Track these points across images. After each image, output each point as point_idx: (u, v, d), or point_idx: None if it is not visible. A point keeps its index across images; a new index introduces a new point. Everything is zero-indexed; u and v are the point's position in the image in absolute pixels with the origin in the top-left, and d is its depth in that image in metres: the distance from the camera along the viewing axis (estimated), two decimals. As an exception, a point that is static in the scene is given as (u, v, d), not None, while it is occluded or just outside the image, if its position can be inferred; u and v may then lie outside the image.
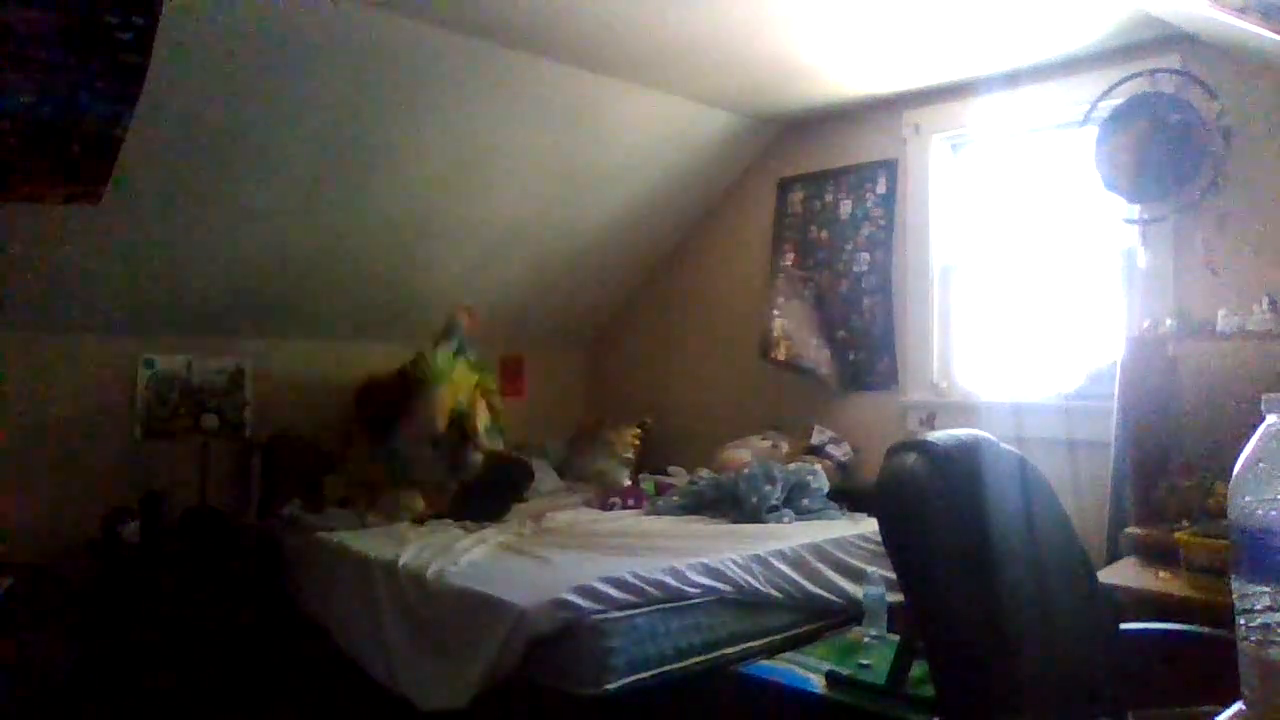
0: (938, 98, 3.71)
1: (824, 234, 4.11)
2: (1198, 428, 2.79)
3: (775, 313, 3.98)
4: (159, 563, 3.23)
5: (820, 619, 2.93)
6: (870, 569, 2.98)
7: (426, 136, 3.45)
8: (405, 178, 3.59)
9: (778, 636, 2.79)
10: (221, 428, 3.64)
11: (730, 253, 4.53)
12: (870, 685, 2.35)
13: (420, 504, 3.54)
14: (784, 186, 4.30)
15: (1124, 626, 1.73)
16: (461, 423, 3.68)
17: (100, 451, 3.47)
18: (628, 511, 3.70)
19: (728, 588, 2.71)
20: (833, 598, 2.96)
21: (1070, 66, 3.32)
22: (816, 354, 3.97)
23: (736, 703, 2.55)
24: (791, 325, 3.97)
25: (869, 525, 3.21)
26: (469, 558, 2.86)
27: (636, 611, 2.49)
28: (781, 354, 3.91)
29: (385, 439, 3.68)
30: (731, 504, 3.48)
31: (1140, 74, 3.10)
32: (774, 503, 3.40)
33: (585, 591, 2.43)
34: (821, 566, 2.99)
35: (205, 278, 3.53)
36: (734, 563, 2.77)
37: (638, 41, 3.20)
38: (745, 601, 2.75)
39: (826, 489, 3.56)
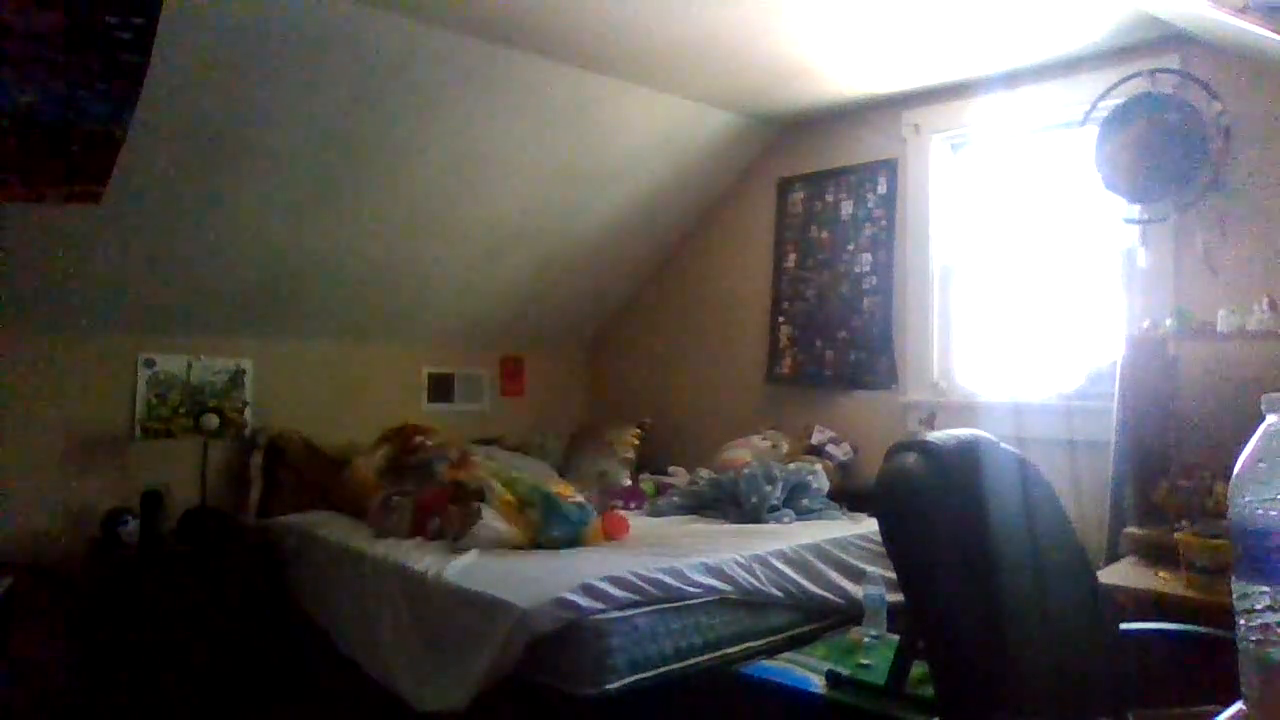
0: (938, 98, 3.71)
1: (824, 234, 4.11)
2: (1198, 428, 2.79)
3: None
4: (159, 563, 3.23)
5: (820, 619, 2.93)
6: (870, 569, 2.98)
7: (426, 136, 3.45)
8: (405, 178, 3.59)
9: (778, 636, 2.79)
10: (221, 428, 3.64)
11: (730, 253, 4.53)
12: (870, 685, 2.35)
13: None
14: (784, 186, 4.30)
15: (1124, 626, 1.73)
16: None
17: (100, 451, 3.47)
18: (628, 512, 3.70)
19: (728, 588, 2.71)
20: (833, 598, 2.95)
21: (1070, 66, 3.32)
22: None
23: (736, 703, 2.55)
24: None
25: (869, 525, 3.21)
26: (468, 558, 2.86)
27: (637, 611, 2.49)
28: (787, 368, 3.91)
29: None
30: (731, 504, 3.48)
31: (1140, 74, 3.10)
32: (774, 503, 3.40)
33: (586, 591, 2.43)
34: (822, 566, 2.99)
35: (205, 278, 3.53)
36: (735, 563, 2.77)
37: (638, 41, 3.20)
38: (746, 601, 2.75)
39: (826, 489, 3.56)
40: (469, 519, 3.00)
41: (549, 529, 2.98)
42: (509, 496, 3.11)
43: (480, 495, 3.15)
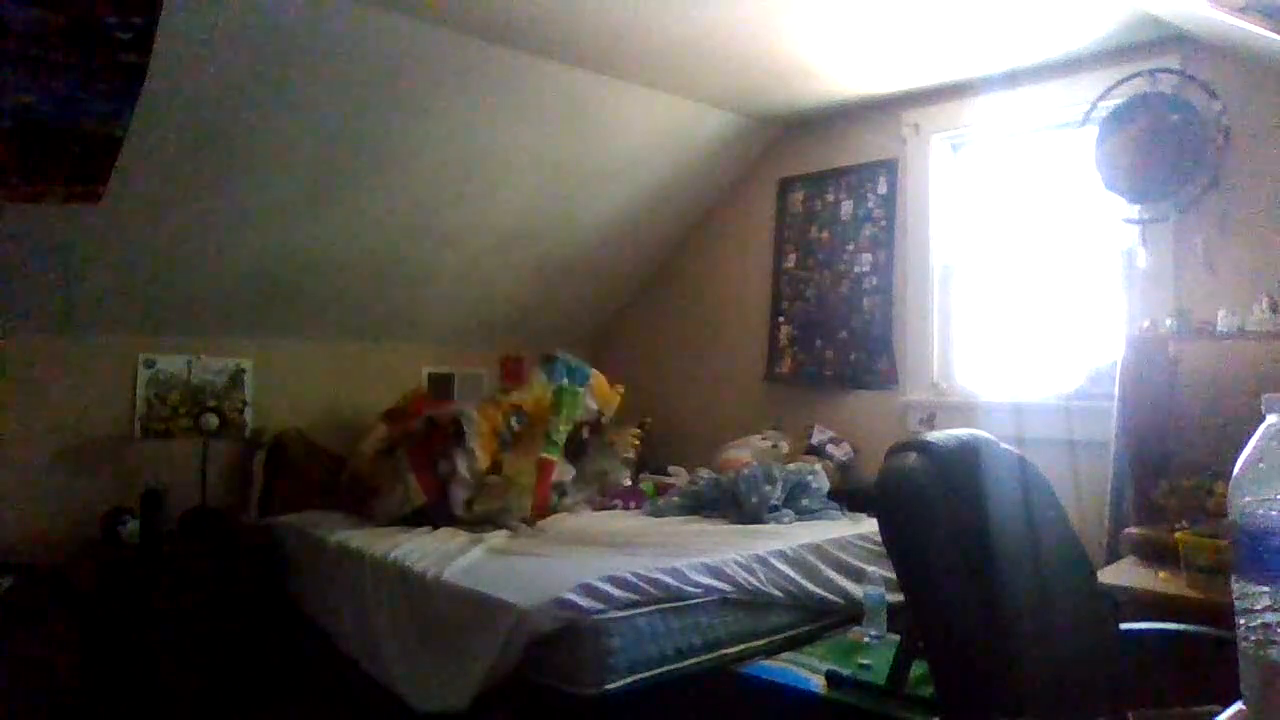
0: (938, 98, 3.71)
1: (824, 234, 4.11)
2: (1198, 428, 2.79)
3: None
4: (159, 563, 3.23)
5: (820, 619, 2.93)
6: (870, 569, 2.98)
7: (426, 136, 3.45)
8: (405, 178, 3.59)
9: (778, 636, 2.79)
10: (221, 428, 3.64)
11: (730, 253, 4.53)
12: (870, 685, 2.35)
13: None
14: (784, 186, 4.30)
15: (1124, 626, 1.73)
16: None
17: (100, 451, 3.47)
18: (628, 512, 3.70)
19: (728, 587, 2.71)
20: (833, 598, 2.95)
21: (1070, 66, 3.32)
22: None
23: (736, 703, 2.55)
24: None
25: (869, 525, 3.21)
26: (468, 558, 2.86)
27: (637, 611, 2.49)
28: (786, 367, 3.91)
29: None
30: (731, 504, 3.47)
31: (1140, 74, 3.10)
32: (774, 503, 3.40)
33: (586, 591, 2.43)
34: (822, 566, 2.99)
35: (205, 278, 3.53)
36: (735, 562, 2.77)
37: (638, 41, 3.20)
38: (746, 601, 2.75)
39: (826, 489, 3.56)
40: (452, 444, 3.37)
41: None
42: (484, 427, 3.42)
43: (458, 425, 3.44)
